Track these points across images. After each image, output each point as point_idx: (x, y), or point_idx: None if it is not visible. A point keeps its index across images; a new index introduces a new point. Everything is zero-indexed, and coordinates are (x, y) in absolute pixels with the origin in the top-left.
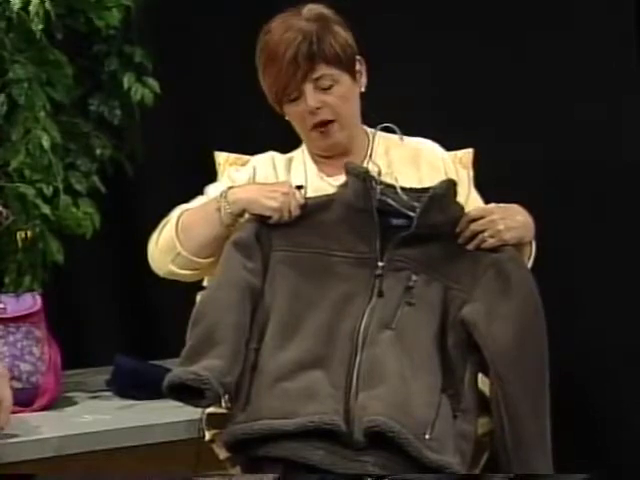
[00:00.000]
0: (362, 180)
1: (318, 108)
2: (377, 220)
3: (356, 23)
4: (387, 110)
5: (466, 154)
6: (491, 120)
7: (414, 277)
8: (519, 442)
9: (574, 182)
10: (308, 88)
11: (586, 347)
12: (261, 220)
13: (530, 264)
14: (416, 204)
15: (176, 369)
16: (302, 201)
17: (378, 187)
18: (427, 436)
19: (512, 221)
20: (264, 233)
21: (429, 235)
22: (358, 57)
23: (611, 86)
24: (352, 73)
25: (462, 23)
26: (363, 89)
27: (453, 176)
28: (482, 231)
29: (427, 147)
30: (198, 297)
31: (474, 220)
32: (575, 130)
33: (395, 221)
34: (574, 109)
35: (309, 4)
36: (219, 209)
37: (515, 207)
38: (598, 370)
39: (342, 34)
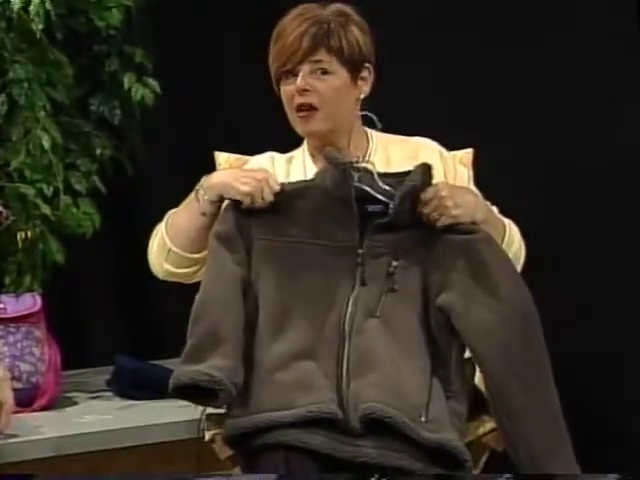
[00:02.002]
0: (341, 169)
1: (306, 90)
2: (356, 208)
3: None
4: (388, 110)
5: (466, 154)
6: (492, 120)
7: (394, 263)
8: (510, 416)
9: (575, 182)
10: (304, 69)
11: (596, 348)
12: (237, 207)
13: (519, 252)
14: (391, 189)
15: (182, 369)
16: (276, 188)
17: (356, 175)
18: (423, 419)
19: (461, 199)
20: (244, 222)
21: (406, 220)
22: (368, 65)
23: (612, 87)
24: (353, 73)
25: (464, 24)
26: (363, 96)
27: (451, 174)
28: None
29: (426, 145)
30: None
31: (427, 203)
32: (576, 131)
33: (371, 207)
34: (576, 110)
35: (336, 3)
36: (198, 198)
37: (464, 188)
38: (602, 370)
39: (356, 35)
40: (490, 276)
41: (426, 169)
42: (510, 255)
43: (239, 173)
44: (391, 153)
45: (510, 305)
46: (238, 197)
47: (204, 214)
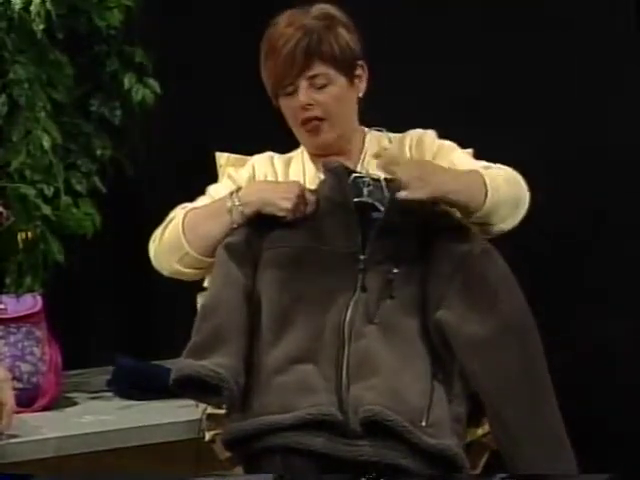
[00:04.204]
0: (336, 175)
1: (310, 105)
2: (356, 214)
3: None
4: (388, 110)
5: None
6: (493, 120)
7: (394, 270)
8: (507, 434)
9: (575, 182)
10: (302, 84)
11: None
12: (249, 222)
13: (511, 192)
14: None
15: (186, 362)
16: (312, 200)
17: (360, 183)
18: (423, 423)
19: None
20: (254, 236)
21: (406, 227)
22: (360, 62)
23: (612, 87)
24: (349, 76)
25: (463, 23)
26: (361, 94)
27: (430, 148)
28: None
29: (411, 132)
30: (199, 298)
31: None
32: (576, 131)
33: (375, 215)
34: (576, 110)
35: (320, 4)
36: (230, 210)
37: (424, 163)
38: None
39: (345, 36)
40: (487, 292)
41: None
42: (503, 197)
43: (277, 189)
44: (382, 146)
45: (507, 321)
46: (280, 214)
47: (235, 225)
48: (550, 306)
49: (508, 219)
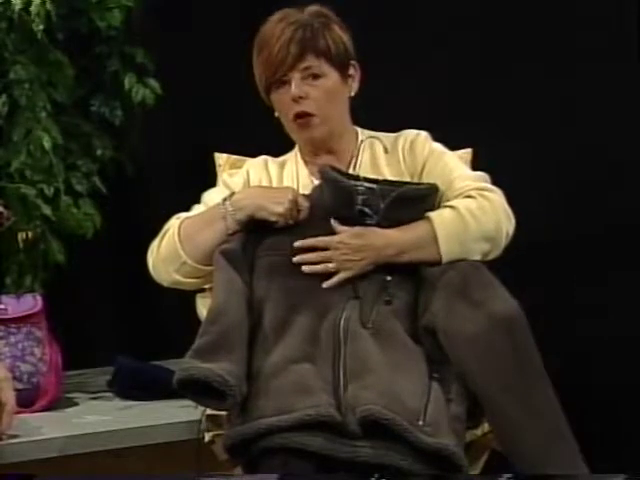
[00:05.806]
0: (332, 183)
1: (301, 97)
2: (350, 222)
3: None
4: (387, 109)
5: (465, 154)
6: (492, 120)
7: (388, 277)
8: (506, 429)
9: (575, 182)
10: (295, 76)
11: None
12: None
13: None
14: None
15: (194, 364)
16: (306, 205)
17: (358, 188)
18: (420, 422)
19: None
20: (249, 244)
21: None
22: (353, 62)
23: (612, 87)
24: (342, 73)
25: (463, 22)
26: (353, 94)
27: (421, 154)
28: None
29: (404, 134)
30: (198, 300)
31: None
32: (576, 131)
33: (369, 222)
34: (576, 110)
35: (313, 5)
36: (225, 217)
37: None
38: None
39: (338, 33)
40: (473, 292)
41: (432, 189)
42: (465, 240)
43: (270, 194)
44: (376, 150)
45: (494, 316)
46: (273, 218)
47: (229, 232)
48: (548, 309)
49: (489, 254)
